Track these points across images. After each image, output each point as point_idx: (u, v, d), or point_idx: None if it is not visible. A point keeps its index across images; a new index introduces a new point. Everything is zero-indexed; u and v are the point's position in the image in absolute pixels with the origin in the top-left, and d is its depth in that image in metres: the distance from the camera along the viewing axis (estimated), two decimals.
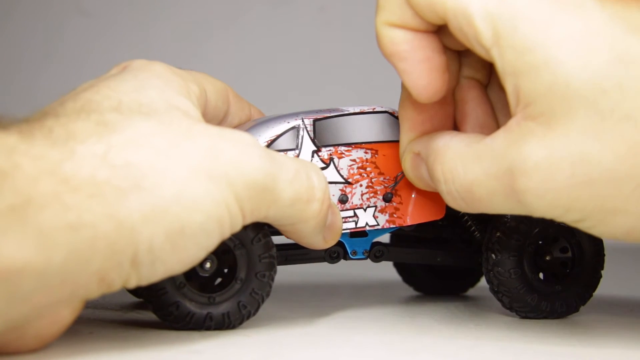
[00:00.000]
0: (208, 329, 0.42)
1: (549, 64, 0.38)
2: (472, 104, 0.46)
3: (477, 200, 0.41)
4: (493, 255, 0.48)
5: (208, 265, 0.43)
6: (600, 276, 0.50)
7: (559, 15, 0.38)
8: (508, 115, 0.45)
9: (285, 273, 0.45)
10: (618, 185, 0.38)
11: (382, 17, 0.42)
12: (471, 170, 0.41)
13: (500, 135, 0.40)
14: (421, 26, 0.42)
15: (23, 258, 0.33)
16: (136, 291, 0.52)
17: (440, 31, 0.43)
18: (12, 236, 0.32)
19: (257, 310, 0.43)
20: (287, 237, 0.45)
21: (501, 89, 0.45)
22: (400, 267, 0.60)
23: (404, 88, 0.45)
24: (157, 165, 0.37)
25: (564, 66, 0.38)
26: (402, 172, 0.47)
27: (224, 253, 0.43)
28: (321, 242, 0.45)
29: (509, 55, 0.39)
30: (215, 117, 0.48)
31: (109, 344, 0.39)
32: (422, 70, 0.42)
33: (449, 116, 0.46)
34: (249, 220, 0.40)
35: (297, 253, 0.48)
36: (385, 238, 0.51)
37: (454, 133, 0.43)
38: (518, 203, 0.40)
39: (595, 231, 0.40)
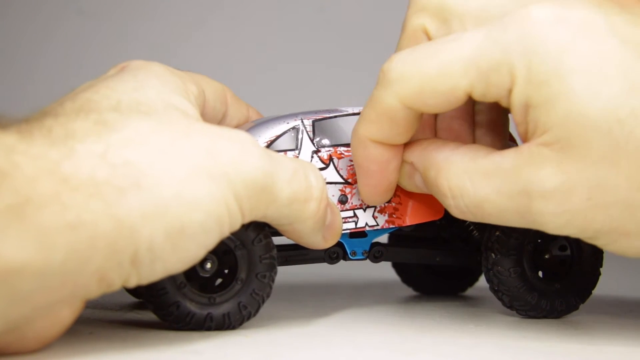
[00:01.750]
0: (208, 329, 0.42)
1: (563, 95, 0.38)
2: (456, 121, 0.46)
3: (487, 215, 0.42)
4: (493, 255, 0.48)
5: (209, 265, 0.43)
6: (599, 274, 0.50)
7: (573, 43, 0.38)
8: (492, 133, 0.46)
9: (285, 273, 0.45)
10: (633, 211, 0.39)
11: (368, 131, 0.43)
12: (481, 188, 0.41)
13: (510, 156, 0.40)
14: (405, 139, 0.43)
15: (22, 258, 0.32)
16: (135, 291, 0.52)
17: None
18: (12, 236, 0.32)
19: (257, 311, 0.43)
20: (287, 237, 0.45)
21: (491, 108, 0.46)
22: (398, 268, 0.60)
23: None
24: (156, 164, 0.37)
25: (578, 96, 0.38)
26: None
27: (225, 253, 0.43)
28: (321, 241, 0.45)
29: (528, 90, 0.39)
30: (214, 118, 0.48)
31: (109, 344, 0.39)
32: (382, 179, 0.45)
33: (433, 126, 0.47)
34: (248, 219, 0.40)
35: (296, 254, 0.48)
36: (383, 238, 0.51)
37: (452, 145, 0.43)
38: (532, 222, 0.40)
39: (608, 248, 0.41)
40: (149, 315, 0.47)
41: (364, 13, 1.08)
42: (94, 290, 0.36)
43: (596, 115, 0.38)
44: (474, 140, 0.46)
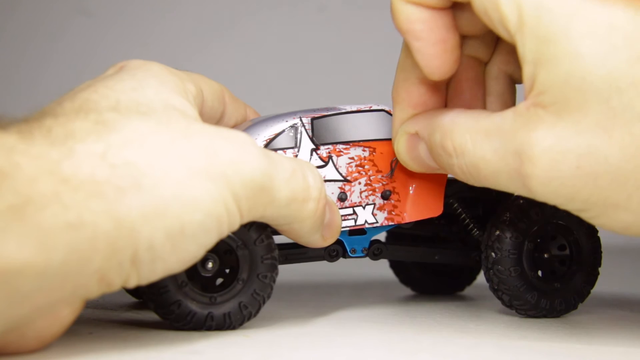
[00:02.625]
0: (209, 329, 0.42)
1: (568, 55, 0.38)
2: (467, 85, 0.46)
3: (482, 177, 0.41)
4: (493, 254, 0.48)
5: (210, 265, 0.43)
6: (598, 273, 0.50)
7: (584, 8, 0.38)
8: (500, 100, 0.45)
9: (285, 272, 0.45)
10: (622, 182, 0.38)
11: None
12: (480, 147, 0.41)
13: (509, 116, 0.40)
14: (438, 4, 0.42)
15: (23, 258, 0.32)
16: (134, 291, 0.52)
17: (455, 9, 0.43)
18: (12, 236, 0.32)
19: (258, 311, 0.43)
20: (286, 237, 0.45)
21: (500, 71, 0.45)
22: (396, 268, 0.60)
23: (403, 69, 0.45)
24: (156, 164, 0.37)
25: (583, 60, 0.38)
26: (396, 158, 0.47)
27: (226, 253, 0.43)
28: (320, 240, 0.45)
29: (531, 44, 0.39)
30: (212, 118, 0.48)
31: (109, 344, 0.39)
32: (437, 50, 0.42)
33: (443, 96, 0.46)
34: (247, 219, 0.40)
35: (296, 252, 0.48)
36: (380, 236, 0.51)
37: (457, 110, 0.43)
38: (522, 186, 0.40)
39: (595, 222, 0.40)
40: (149, 315, 0.47)
41: (364, 13, 1.08)
42: (94, 290, 0.36)
43: (598, 81, 0.38)
44: (484, 107, 0.46)
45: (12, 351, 0.36)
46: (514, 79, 0.46)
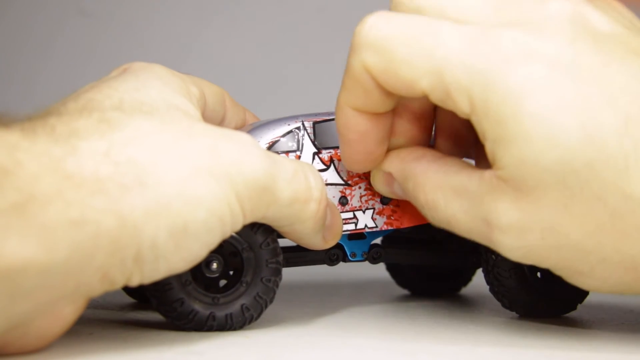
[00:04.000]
0: (210, 329, 0.42)
1: (519, 138, 0.37)
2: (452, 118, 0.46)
3: (456, 231, 0.42)
4: (493, 256, 0.48)
5: (215, 265, 0.43)
6: None
7: (534, 88, 0.37)
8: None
9: (286, 273, 0.45)
10: (584, 256, 0.39)
11: (345, 98, 0.42)
12: (451, 206, 0.41)
13: (475, 179, 0.40)
14: (383, 109, 0.42)
15: (26, 255, 0.32)
16: (133, 292, 0.52)
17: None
18: (15, 233, 0.32)
19: (260, 314, 0.43)
20: (287, 238, 0.45)
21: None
22: (392, 270, 0.60)
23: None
24: (159, 162, 0.37)
25: (534, 142, 0.37)
26: None
27: (231, 255, 0.43)
28: (321, 242, 0.45)
29: (486, 124, 0.38)
30: (213, 121, 0.48)
31: (109, 345, 0.39)
32: (360, 148, 0.44)
33: (424, 129, 0.46)
34: (249, 220, 0.40)
35: (296, 255, 0.48)
36: (377, 240, 0.51)
37: (429, 157, 0.43)
38: (495, 248, 0.41)
39: (567, 281, 0.41)
40: (150, 316, 0.47)
41: (364, 13, 1.07)
42: (97, 288, 0.36)
43: (551, 163, 0.37)
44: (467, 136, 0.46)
45: (14, 351, 0.36)
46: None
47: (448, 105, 0.40)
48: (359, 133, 0.43)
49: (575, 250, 0.39)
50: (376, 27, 0.40)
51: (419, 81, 0.39)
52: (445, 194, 0.41)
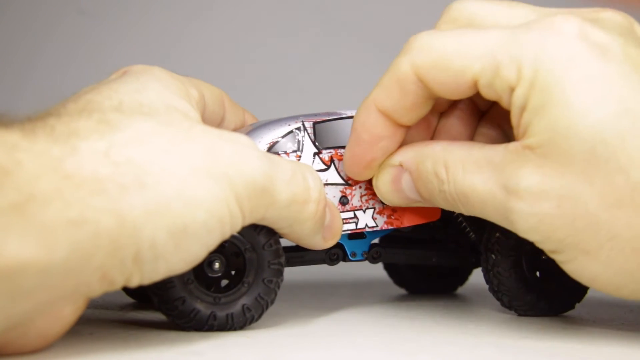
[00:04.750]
0: (210, 329, 0.42)
1: (559, 103, 0.39)
2: (458, 123, 0.47)
3: (470, 205, 0.43)
4: (493, 256, 0.49)
5: (217, 265, 0.43)
6: None
7: (581, 61, 0.39)
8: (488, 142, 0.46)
9: (286, 273, 0.45)
10: (596, 230, 0.39)
11: (377, 96, 0.44)
12: (470, 177, 0.42)
13: (500, 151, 0.41)
14: (407, 119, 0.44)
15: (25, 255, 0.32)
16: (132, 292, 0.52)
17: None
18: (15, 233, 0.32)
19: (260, 315, 0.44)
20: (287, 239, 0.45)
21: (495, 124, 0.47)
22: (390, 270, 0.61)
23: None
24: (158, 163, 0.37)
25: (571, 108, 0.39)
26: None
27: (234, 255, 0.43)
28: (320, 242, 0.45)
29: (529, 92, 0.40)
30: (213, 122, 0.48)
31: (109, 345, 0.39)
32: (367, 152, 0.45)
33: (429, 129, 0.47)
34: (248, 220, 0.40)
35: (296, 255, 0.48)
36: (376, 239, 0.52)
37: (447, 141, 0.45)
38: (505, 219, 0.41)
39: (566, 267, 0.41)
40: (150, 316, 0.47)
41: (364, 13, 1.07)
42: (97, 288, 0.36)
43: (583, 130, 0.39)
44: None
45: (14, 351, 0.36)
46: (507, 134, 0.47)
47: (496, 86, 0.41)
48: (373, 135, 0.44)
49: (588, 222, 0.39)
50: (428, 34, 0.42)
51: (471, 66, 0.41)
52: (465, 166, 0.42)
